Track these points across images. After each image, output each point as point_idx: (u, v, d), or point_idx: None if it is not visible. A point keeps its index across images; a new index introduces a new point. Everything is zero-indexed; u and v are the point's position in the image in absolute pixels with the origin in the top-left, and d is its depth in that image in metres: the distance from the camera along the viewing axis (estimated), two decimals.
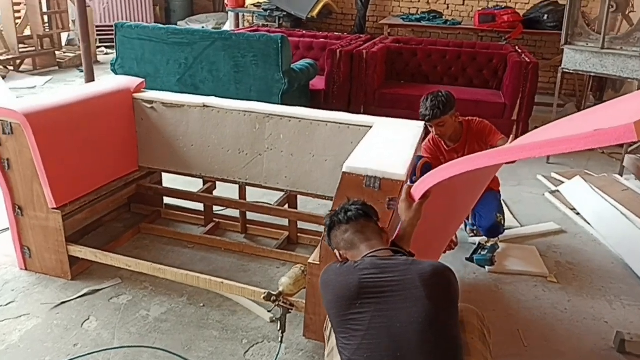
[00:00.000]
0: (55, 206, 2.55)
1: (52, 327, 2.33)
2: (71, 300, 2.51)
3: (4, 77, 6.87)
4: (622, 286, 2.81)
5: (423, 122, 2.70)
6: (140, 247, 3.03)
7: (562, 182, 4.03)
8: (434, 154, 3.01)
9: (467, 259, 2.96)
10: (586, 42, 4.21)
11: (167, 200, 3.44)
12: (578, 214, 3.57)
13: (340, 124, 2.69)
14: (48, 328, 2.32)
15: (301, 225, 3.11)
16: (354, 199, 1.81)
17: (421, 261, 1.53)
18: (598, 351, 2.33)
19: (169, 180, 3.43)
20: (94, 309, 2.46)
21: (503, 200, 3.14)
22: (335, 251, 1.74)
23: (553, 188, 3.99)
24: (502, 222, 2.91)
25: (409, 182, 2.14)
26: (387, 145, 2.27)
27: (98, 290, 2.59)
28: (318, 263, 2.16)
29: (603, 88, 6.34)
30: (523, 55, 5.03)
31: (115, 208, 3.27)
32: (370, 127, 2.62)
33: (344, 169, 2.01)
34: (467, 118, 2.96)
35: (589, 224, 3.44)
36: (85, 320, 2.38)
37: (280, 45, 4.24)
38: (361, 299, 1.46)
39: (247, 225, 3.22)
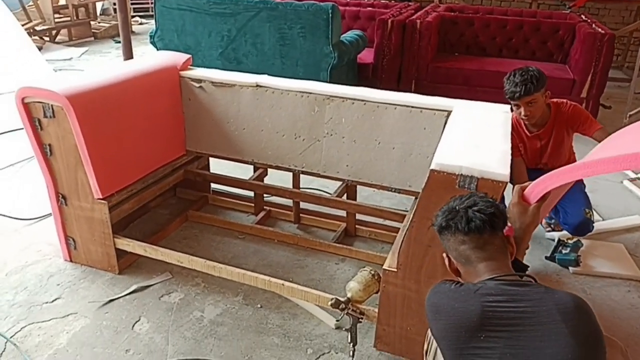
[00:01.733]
0: (101, 196, 2.35)
1: (101, 328, 2.16)
2: (119, 298, 2.33)
3: (40, 49, 6.71)
4: None
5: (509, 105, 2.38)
6: (188, 237, 2.83)
7: None
8: (513, 140, 2.66)
9: (547, 258, 2.67)
10: None
11: (214, 185, 3.22)
12: None
13: (412, 107, 2.38)
14: (97, 330, 2.15)
15: (359, 215, 2.85)
16: (480, 194, 1.45)
17: (555, 290, 1.26)
18: None
19: (214, 164, 3.20)
20: (144, 309, 2.28)
21: None
22: (444, 254, 1.46)
23: (632, 175, 3.62)
24: (592, 218, 2.59)
25: None
26: (477, 136, 1.98)
27: (147, 287, 2.41)
28: (395, 270, 1.91)
29: None
30: (594, 26, 4.57)
31: (160, 193, 3.08)
32: (447, 111, 2.32)
33: (432, 166, 1.73)
34: (554, 100, 2.62)
35: None
36: (136, 322, 2.20)
37: (330, 15, 3.91)
38: (485, 330, 1.20)
39: (300, 215, 2.99)
